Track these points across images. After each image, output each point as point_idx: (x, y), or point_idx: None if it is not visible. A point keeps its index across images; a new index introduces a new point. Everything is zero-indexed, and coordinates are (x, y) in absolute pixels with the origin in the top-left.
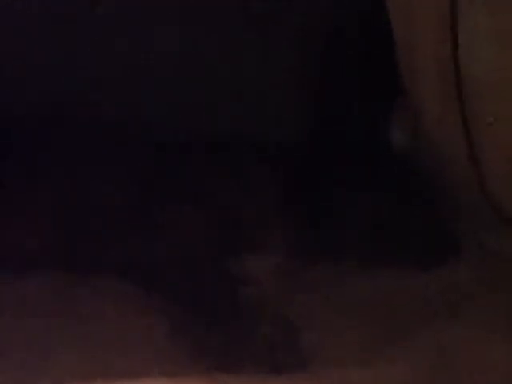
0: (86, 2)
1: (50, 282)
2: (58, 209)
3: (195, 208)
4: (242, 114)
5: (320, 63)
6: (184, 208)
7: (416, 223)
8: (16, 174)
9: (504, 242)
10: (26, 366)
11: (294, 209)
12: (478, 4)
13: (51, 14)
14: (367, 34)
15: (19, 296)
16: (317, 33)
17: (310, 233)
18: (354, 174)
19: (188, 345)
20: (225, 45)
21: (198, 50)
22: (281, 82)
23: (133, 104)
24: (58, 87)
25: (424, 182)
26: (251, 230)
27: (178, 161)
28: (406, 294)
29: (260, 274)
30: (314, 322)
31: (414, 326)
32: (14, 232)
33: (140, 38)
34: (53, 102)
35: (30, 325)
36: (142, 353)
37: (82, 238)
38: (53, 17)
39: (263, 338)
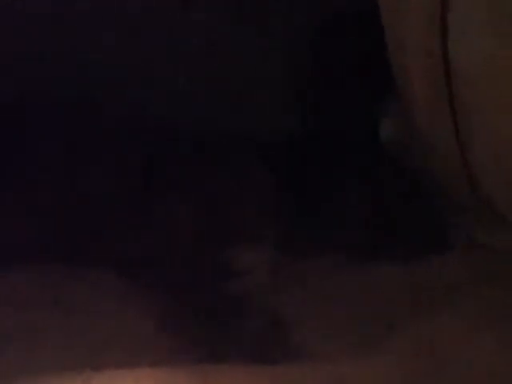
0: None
1: (38, 274)
2: (52, 203)
3: (186, 201)
4: (232, 110)
5: (314, 61)
6: (174, 201)
7: (406, 217)
8: (16, 174)
9: (494, 236)
10: (13, 358)
11: (286, 203)
12: None
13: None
14: (359, 32)
15: (9, 289)
16: (312, 30)
17: (300, 227)
18: (345, 170)
19: (177, 336)
20: (220, 43)
21: (194, 48)
22: (276, 79)
23: (129, 102)
24: (57, 85)
25: (415, 177)
26: (242, 223)
27: (170, 155)
28: (396, 287)
29: (250, 267)
30: (304, 316)
31: (403, 319)
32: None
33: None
34: (52, 100)
35: (20, 316)
36: (131, 344)
37: (72, 231)
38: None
39: (253, 330)
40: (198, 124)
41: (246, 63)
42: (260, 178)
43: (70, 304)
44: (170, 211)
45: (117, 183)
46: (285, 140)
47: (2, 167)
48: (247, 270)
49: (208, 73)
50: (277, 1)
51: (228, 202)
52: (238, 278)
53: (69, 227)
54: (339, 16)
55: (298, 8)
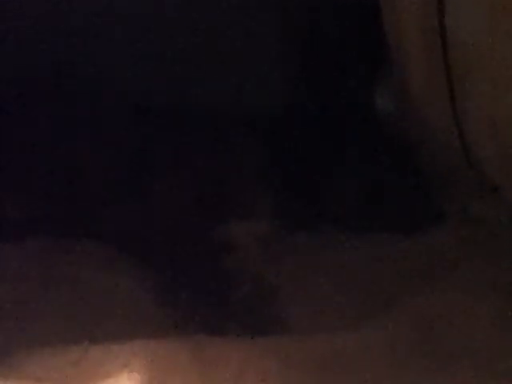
0: None
1: (37, 247)
2: (46, 178)
3: (181, 175)
4: (228, 84)
5: (305, 33)
6: (170, 175)
7: (401, 191)
8: (9, 152)
9: (487, 208)
10: (12, 330)
11: (281, 176)
12: None
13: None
14: (354, 7)
15: (5, 261)
16: (302, 4)
17: (296, 200)
18: (340, 143)
19: (173, 309)
20: (211, 16)
21: (186, 22)
22: (267, 53)
23: (123, 77)
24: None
25: (409, 149)
26: (237, 196)
27: (166, 130)
28: (392, 261)
29: (245, 241)
30: (300, 289)
31: (399, 292)
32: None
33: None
34: (50, 70)
35: (16, 289)
36: (128, 317)
37: (68, 205)
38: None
39: (248, 303)
40: (192, 100)
41: (233, 36)
42: (255, 152)
43: (69, 278)
44: (166, 186)
45: (112, 159)
46: (281, 115)
47: None
48: (242, 243)
49: (195, 45)
50: None
51: (223, 175)
52: (233, 251)
53: (64, 202)
54: None
55: None
